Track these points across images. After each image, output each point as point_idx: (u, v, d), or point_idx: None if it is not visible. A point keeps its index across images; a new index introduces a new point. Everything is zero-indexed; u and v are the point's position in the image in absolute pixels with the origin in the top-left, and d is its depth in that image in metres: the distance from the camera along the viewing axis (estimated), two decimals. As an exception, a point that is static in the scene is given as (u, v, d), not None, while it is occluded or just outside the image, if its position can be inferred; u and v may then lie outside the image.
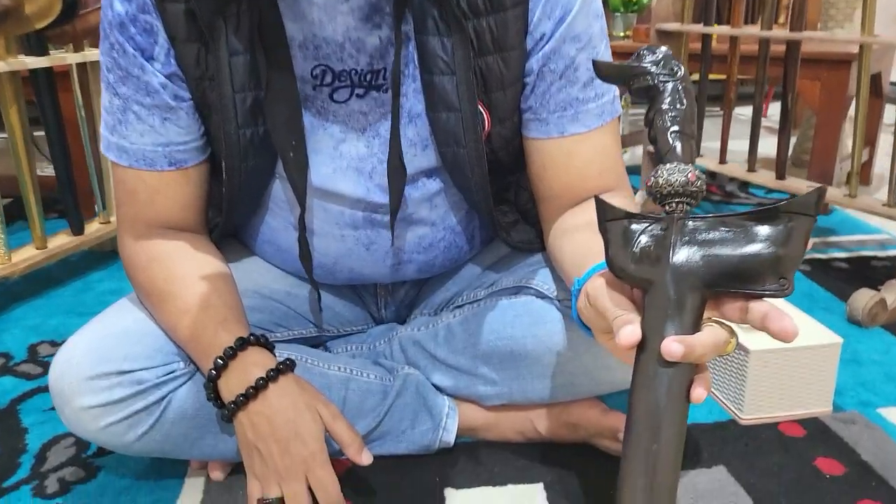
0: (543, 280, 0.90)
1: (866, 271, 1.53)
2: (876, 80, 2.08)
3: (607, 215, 0.60)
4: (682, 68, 0.62)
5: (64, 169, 1.43)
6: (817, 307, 1.36)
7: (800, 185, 1.54)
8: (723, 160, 1.75)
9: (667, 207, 0.59)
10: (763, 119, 2.75)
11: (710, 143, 2.09)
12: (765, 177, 1.61)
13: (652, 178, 0.59)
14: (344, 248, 0.89)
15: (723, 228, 0.56)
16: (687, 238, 0.56)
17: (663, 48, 0.63)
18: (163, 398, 0.79)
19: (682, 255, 0.56)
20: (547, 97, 0.81)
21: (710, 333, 0.55)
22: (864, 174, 2.20)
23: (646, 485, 0.55)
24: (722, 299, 0.57)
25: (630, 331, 0.55)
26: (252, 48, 0.75)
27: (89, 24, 1.44)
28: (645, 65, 0.61)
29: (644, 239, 0.57)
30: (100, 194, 1.55)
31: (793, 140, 2.59)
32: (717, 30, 1.66)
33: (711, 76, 1.83)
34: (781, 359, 0.99)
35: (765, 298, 0.55)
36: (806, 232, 0.54)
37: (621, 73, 0.63)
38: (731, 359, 1.02)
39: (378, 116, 0.82)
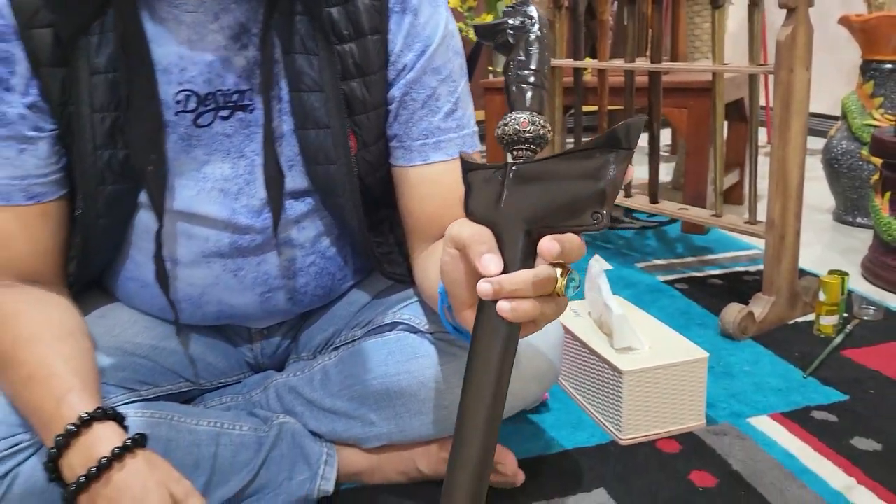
0: (415, 314, 0.91)
1: (738, 286, 1.61)
2: (739, 105, 2.21)
3: (466, 167, 0.60)
4: (536, 16, 0.61)
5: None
6: (693, 323, 1.42)
7: (671, 207, 1.61)
8: (602, 187, 1.80)
9: (511, 155, 0.59)
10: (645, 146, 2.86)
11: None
12: (640, 201, 1.67)
13: (498, 127, 0.59)
14: (211, 276, 0.86)
15: (548, 170, 0.55)
16: (514, 181, 0.56)
17: (524, 2, 0.62)
18: (7, 473, 0.74)
19: (510, 197, 0.56)
20: (410, 125, 0.84)
21: (526, 271, 0.53)
22: (736, 194, 2.32)
23: (474, 417, 0.56)
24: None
25: (490, 258, 0.53)
26: (115, 68, 0.75)
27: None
28: (504, 20, 0.62)
29: (485, 185, 0.58)
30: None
31: (674, 165, 2.72)
32: (585, 63, 1.73)
33: (586, 108, 1.90)
34: (653, 377, 1.02)
35: (583, 232, 0.55)
36: (619, 164, 0.54)
37: (487, 30, 0.64)
38: (608, 381, 1.04)
39: (242, 138, 0.82)
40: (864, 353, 1.27)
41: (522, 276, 0.53)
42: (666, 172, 2.71)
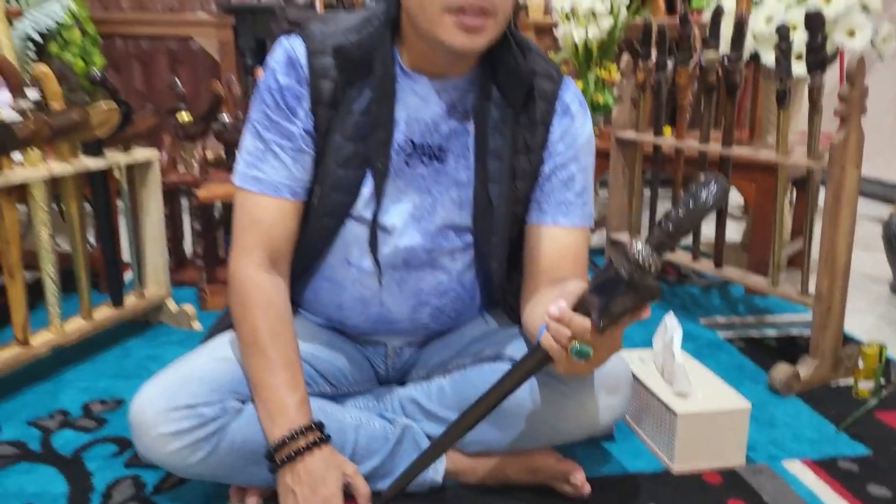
0: (518, 348, 1.16)
1: (791, 348, 1.80)
2: (806, 179, 2.39)
3: (613, 258, 0.86)
4: (706, 190, 0.80)
5: (110, 251, 1.67)
6: (745, 377, 1.62)
7: (733, 273, 1.82)
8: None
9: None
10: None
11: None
12: (706, 265, 1.89)
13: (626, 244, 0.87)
14: (382, 283, 1.15)
15: (613, 286, 0.84)
16: (601, 279, 0.86)
17: (715, 176, 0.81)
18: (219, 429, 1.03)
19: (594, 288, 0.87)
20: (550, 196, 1.14)
21: (561, 326, 0.89)
22: (799, 260, 2.49)
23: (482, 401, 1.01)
24: None
25: (557, 307, 0.88)
26: (365, 113, 1.07)
27: (138, 128, 1.71)
28: (694, 183, 0.85)
29: (600, 272, 0.87)
30: (137, 270, 1.79)
31: (744, 226, 2.90)
32: (663, 141, 1.96)
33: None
34: (703, 420, 1.24)
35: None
36: (629, 301, 0.83)
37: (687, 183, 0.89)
38: (665, 420, 1.27)
39: (432, 181, 1.12)
40: (895, 416, 1.45)
41: (555, 326, 0.88)
42: (736, 231, 2.89)
